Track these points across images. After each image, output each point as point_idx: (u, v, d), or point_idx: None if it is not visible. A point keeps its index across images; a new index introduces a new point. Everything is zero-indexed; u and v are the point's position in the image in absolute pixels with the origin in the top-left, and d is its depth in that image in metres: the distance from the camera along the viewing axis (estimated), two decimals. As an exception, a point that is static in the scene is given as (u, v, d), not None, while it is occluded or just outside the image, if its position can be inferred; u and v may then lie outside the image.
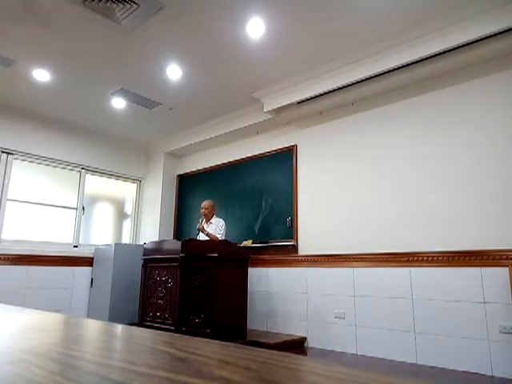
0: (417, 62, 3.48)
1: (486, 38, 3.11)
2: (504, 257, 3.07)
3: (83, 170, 5.63)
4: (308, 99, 4.23)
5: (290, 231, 4.52)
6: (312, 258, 4.26)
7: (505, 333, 2.98)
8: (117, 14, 3.14)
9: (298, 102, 4.32)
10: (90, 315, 5.14)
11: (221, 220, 4.45)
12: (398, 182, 3.78)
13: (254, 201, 4.99)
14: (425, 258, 3.47)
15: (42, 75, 4.16)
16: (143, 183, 6.37)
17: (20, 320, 0.86)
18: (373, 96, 4.11)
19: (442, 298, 3.31)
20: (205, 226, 4.33)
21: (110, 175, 5.99)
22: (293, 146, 4.74)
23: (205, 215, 4.41)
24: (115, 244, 5.10)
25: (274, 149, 4.93)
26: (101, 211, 5.93)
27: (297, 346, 4.04)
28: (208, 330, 3.47)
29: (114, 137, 5.92)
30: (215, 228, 4.33)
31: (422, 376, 3.07)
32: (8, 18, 3.24)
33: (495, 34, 3.07)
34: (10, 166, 4.93)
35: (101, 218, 5.89)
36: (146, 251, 4.16)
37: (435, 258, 3.41)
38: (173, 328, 3.54)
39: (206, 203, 4.49)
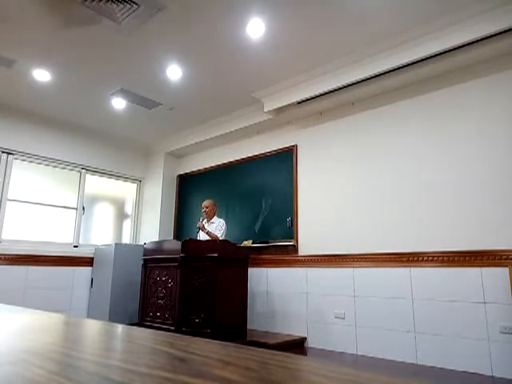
0: (417, 62, 3.47)
1: (487, 37, 3.11)
2: (504, 257, 3.07)
3: (83, 170, 5.63)
4: (308, 99, 4.23)
5: (290, 231, 4.52)
6: (312, 258, 4.26)
7: (505, 333, 2.98)
8: (117, 14, 3.14)
9: (298, 102, 4.32)
10: (90, 315, 5.14)
11: (222, 220, 4.48)
12: (399, 182, 3.78)
13: (254, 201, 4.99)
14: (425, 258, 3.47)
15: (42, 75, 4.16)
16: (143, 183, 6.37)
17: (20, 320, 0.86)
18: (373, 96, 4.11)
19: (442, 298, 3.31)
20: (206, 225, 4.35)
21: (110, 175, 5.99)
22: (293, 146, 4.74)
23: (206, 214, 4.44)
24: (115, 244, 5.10)
25: (274, 149, 4.93)
26: (101, 211, 5.93)
27: (297, 346, 4.04)
28: (208, 330, 3.47)
29: (114, 137, 5.92)
30: (216, 227, 4.35)
31: (422, 376, 3.07)
32: (8, 18, 3.24)
33: (495, 34, 3.07)
34: (10, 166, 4.93)
35: (101, 218, 5.89)
36: (146, 251, 4.16)
37: (435, 258, 3.41)
38: (173, 328, 3.54)
39: (206, 202, 4.53)
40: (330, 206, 4.25)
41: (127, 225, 6.20)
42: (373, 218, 3.89)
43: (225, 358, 0.46)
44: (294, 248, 4.44)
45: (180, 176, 6.23)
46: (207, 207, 4.48)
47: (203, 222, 4.37)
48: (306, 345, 4.11)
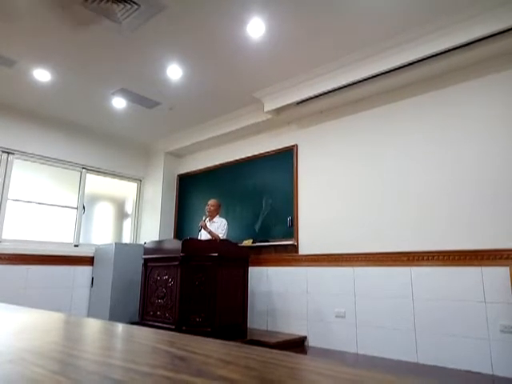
0: (417, 61, 3.47)
1: (487, 37, 3.10)
2: (504, 256, 3.07)
3: (84, 170, 5.63)
4: (308, 99, 4.23)
5: (291, 231, 4.52)
6: (312, 257, 4.26)
7: (505, 332, 2.98)
8: (117, 15, 3.14)
9: (299, 102, 4.32)
10: (90, 314, 5.14)
11: (224, 220, 4.48)
12: (399, 182, 3.78)
13: (254, 200, 4.99)
14: (425, 258, 3.46)
15: (42, 75, 4.15)
16: (143, 183, 6.37)
17: (21, 319, 0.86)
18: (373, 95, 4.10)
19: (443, 298, 3.31)
20: (208, 224, 4.35)
21: (111, 175, 5.99)
22: (293, 145, 4.73)
23: (209, 212, 4.45)
24: (116, 243, 5.10)
25: (275, 148, 4.93)
26: (101, 211, 5.93)
27: (297, 345, 4.04)
28: (208, 329, 3.47)
29: (115, 136, 5.92)
30: (217, 227, 4.35)
31: (423, 375, 3.06)
32: (8, 18, 3.24)
33: (495, 34, 3.06)
34: (10, 165, 4.93)
35: (101, 217, 5.89)
36: (147, 251, 4.16)
37: (436, 258, 3.41)
38: (173, 327, 3.55)
39: (212, 201, 4.55)
40: (331, 205, 4.25)
41: (127, 224, 6.20)
42: (373, 217, 3.88)
43: (225, 357, 0.47)
44: (295, 247, 4.44)
45: (180, 176, 6.22)
46: (212, 206, 4.50)
47: (205, 221, 4.38)
48: (306, 344, 4.11)
